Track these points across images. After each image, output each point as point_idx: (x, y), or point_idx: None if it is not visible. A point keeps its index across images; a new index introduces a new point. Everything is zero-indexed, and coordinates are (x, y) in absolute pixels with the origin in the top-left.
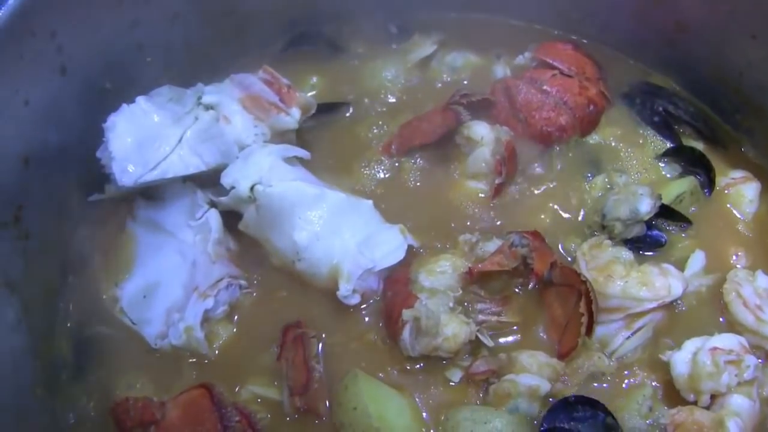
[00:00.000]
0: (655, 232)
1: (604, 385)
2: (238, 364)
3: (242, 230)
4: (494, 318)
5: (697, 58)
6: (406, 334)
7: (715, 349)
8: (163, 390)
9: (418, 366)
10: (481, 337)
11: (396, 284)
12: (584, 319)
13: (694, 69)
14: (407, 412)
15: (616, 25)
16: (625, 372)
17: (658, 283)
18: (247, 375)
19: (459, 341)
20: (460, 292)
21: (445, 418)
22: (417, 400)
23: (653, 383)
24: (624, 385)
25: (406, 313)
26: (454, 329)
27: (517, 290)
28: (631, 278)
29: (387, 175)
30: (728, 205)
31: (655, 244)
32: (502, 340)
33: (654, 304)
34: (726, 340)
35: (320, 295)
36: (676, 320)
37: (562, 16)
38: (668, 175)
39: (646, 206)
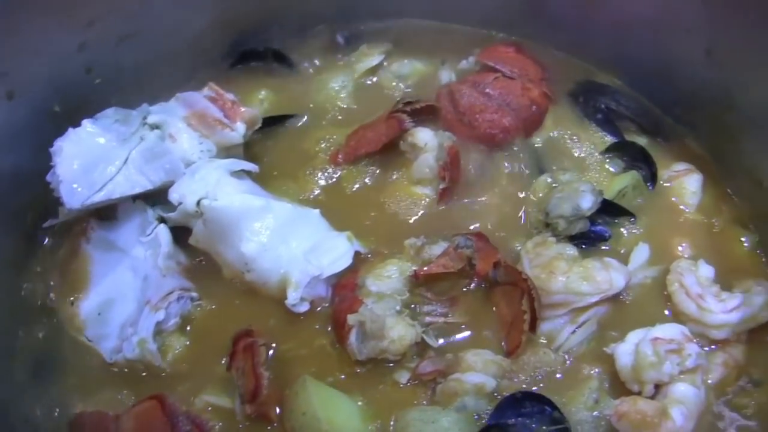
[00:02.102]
0: (599, 227)
1: (552, 379)
2: (192, 375)
3: (193, 244)
4: (441, 319)
5: (637, 55)
6: (352, 338)
7: (656, 339)
8: (118, 403)
9: (366, 369)
10: (426, 338)
11: (344, 290)
12: (527, 317)
13: (635, 65)
14: (356, 415)
15: (559, 26)
16: (572, 366)
17: (600, 277)
18: (201, 385)
19: (405, 343)
20: (408, 295)
21: (394, 419)
22: (366, 402)
23: (599, 376)
24: (571, 379)
25: (351, 318)
26: (399, 332)
27: (464, 291)
28: (573, 273)
29: (334, 184)
30: (672, 198)
31: (600, 239)
32: (452, 339)
33: (596, 298)
34: (667, 330)
35: (272, 304)
36: (622, 313)
37: (505, 19)
38: (613, 170)
39: (587, 202)
